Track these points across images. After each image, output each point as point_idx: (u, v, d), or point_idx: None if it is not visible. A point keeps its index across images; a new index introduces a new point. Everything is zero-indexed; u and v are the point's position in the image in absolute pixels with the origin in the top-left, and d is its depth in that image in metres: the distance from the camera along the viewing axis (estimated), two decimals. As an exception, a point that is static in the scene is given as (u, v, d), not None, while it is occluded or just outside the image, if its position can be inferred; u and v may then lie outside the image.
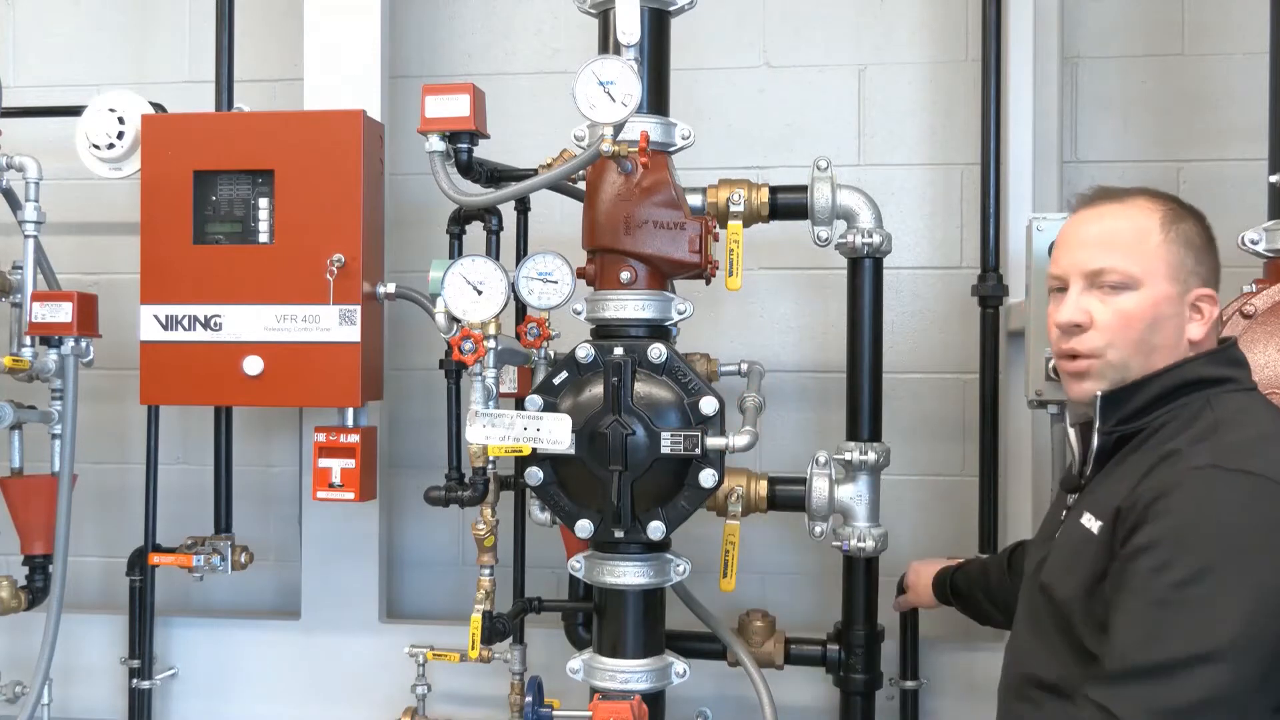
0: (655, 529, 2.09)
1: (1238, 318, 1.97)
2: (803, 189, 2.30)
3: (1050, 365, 2.10)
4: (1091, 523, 1.55)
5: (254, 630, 2.83)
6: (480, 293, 2.08)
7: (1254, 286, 2.03)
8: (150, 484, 2.67)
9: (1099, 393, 1.58)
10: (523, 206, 2.51)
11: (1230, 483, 1.42)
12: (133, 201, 2.45)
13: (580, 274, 2.18)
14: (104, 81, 2.95)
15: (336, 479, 2.41)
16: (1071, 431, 1.71)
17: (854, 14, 2.84)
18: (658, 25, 2.18)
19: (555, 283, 2.13)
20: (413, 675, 2.57)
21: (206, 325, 2.39)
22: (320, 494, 2.42)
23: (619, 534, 2.10)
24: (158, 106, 2.60)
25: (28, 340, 2.52)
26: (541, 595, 2.47)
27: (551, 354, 2.23)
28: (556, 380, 2.13)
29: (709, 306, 2.75)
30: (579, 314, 2.20)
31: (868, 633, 2.37)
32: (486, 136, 2.24)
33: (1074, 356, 1.61)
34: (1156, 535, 1.42)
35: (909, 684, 2.53)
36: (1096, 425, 1.59)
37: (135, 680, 2.70)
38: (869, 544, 2.27)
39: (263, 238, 2.40)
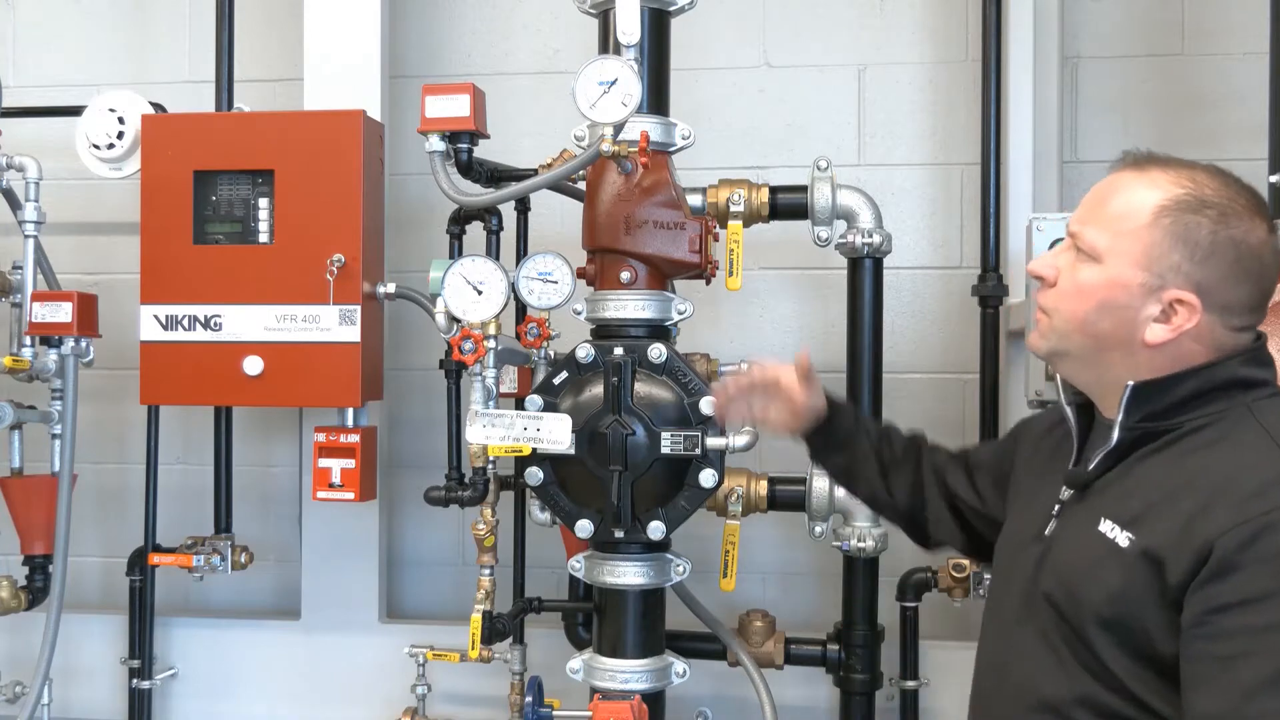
0: (655, 529, 2.09)
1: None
2: (803, 189, 2.30)
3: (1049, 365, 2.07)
4: (1115, 533, 1.39)
5: (254, 630, 2.83)
6: (480, 293, 2.08)
7: (1254, 286, 2.03)
8: (150, 484, 2.68)
9: (1129, 383, 1.42)
10: (523, 206, 2.51)
11: None
12: (133, 201, 2.45)
13: (580, 274, 2.18)
14: (104, 81, 2.95)
15: (336, 479, 2.41)
16: (1069, 411, 1.55)
17: (854, 14, 2.84)
18: (658, 25, 2.18)
19: (555, 283, 2.13)
20: (413, 675, 2.57)
21: (206, 325, 2.39)
22: (320, 494, 2.42)
23: (619, 534, 2.10)
24: (158, 106, 2.60)
25: (28, 340, 2.52)
26: (541, 595, 2.47)
27: (551, 354, 2.22)
28: (556, 380, 2.13)
29: (709, 306, 2.75)
30: (579, 314, 2.20)
31: (868, 633, 2.38)
32: (486, 136, 2.24)
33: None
34: (1267, 585, 1.27)
35: (909, 684, 2.53)
36: (1119, 420, 1.42)
37: (135, 680, 2.70)
38: (869, 544, 2.26)
39: (263, 238, 2.40)
